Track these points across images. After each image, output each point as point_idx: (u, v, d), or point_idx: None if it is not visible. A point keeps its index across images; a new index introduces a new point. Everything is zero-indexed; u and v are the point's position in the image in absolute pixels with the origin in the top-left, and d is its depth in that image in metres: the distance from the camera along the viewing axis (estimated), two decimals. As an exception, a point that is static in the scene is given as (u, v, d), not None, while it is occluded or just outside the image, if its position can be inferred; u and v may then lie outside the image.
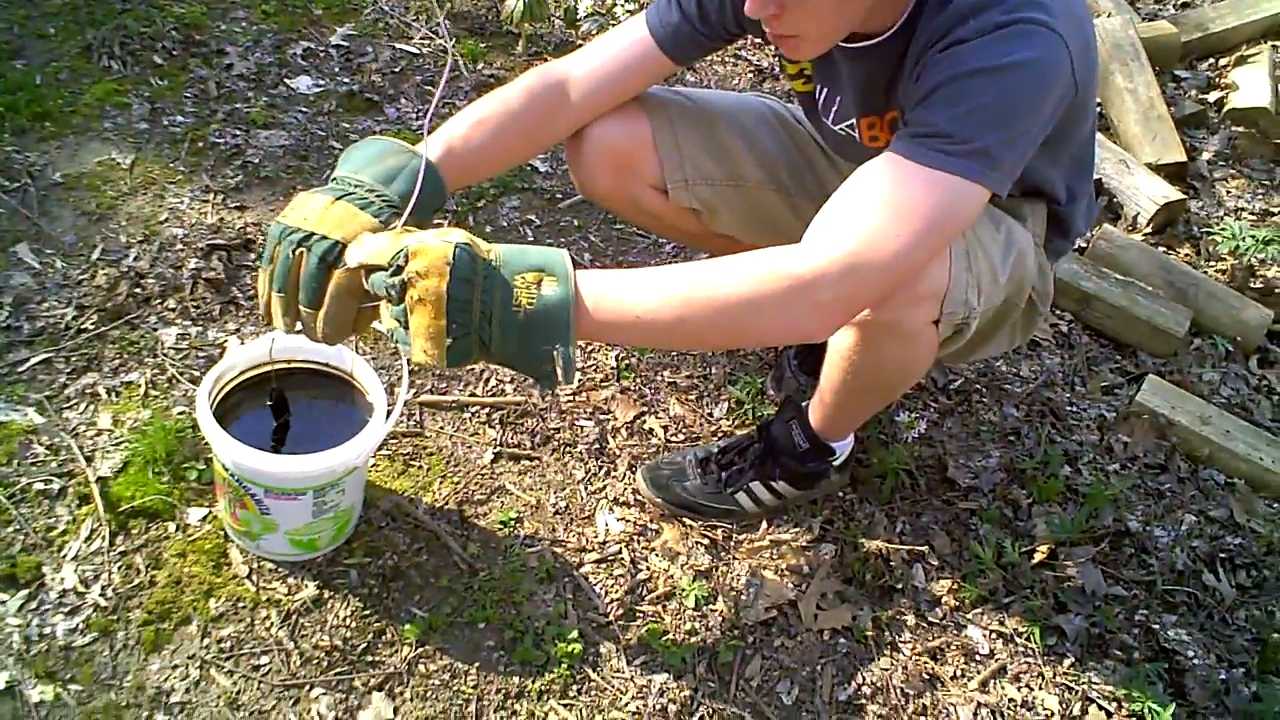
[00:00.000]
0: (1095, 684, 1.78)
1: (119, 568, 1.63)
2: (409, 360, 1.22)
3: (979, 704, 1.73)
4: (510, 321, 1.21)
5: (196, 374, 1.93)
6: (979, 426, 2.21)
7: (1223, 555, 2.03)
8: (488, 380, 2.08)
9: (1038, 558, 1.94)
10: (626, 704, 1.63)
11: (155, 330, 2.00)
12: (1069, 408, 2.31)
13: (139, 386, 1.89)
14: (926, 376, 2.25)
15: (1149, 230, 2.81)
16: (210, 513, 1.72)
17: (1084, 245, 2.68)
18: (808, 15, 1.36)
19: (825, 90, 1.64)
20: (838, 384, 1.70)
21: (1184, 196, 2.86)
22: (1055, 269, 1.83)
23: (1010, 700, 1.75)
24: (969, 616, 1.85)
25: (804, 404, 1.87)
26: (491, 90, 1.61)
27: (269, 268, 1.31)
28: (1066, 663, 1.81)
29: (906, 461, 2.04)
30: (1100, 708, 1.75)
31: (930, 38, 1.35)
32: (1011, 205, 1.67)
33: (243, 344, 1.65)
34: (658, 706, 1.63)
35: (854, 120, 1.61)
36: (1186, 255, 2.80)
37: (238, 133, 2.52)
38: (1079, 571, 1.93)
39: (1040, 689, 1.77)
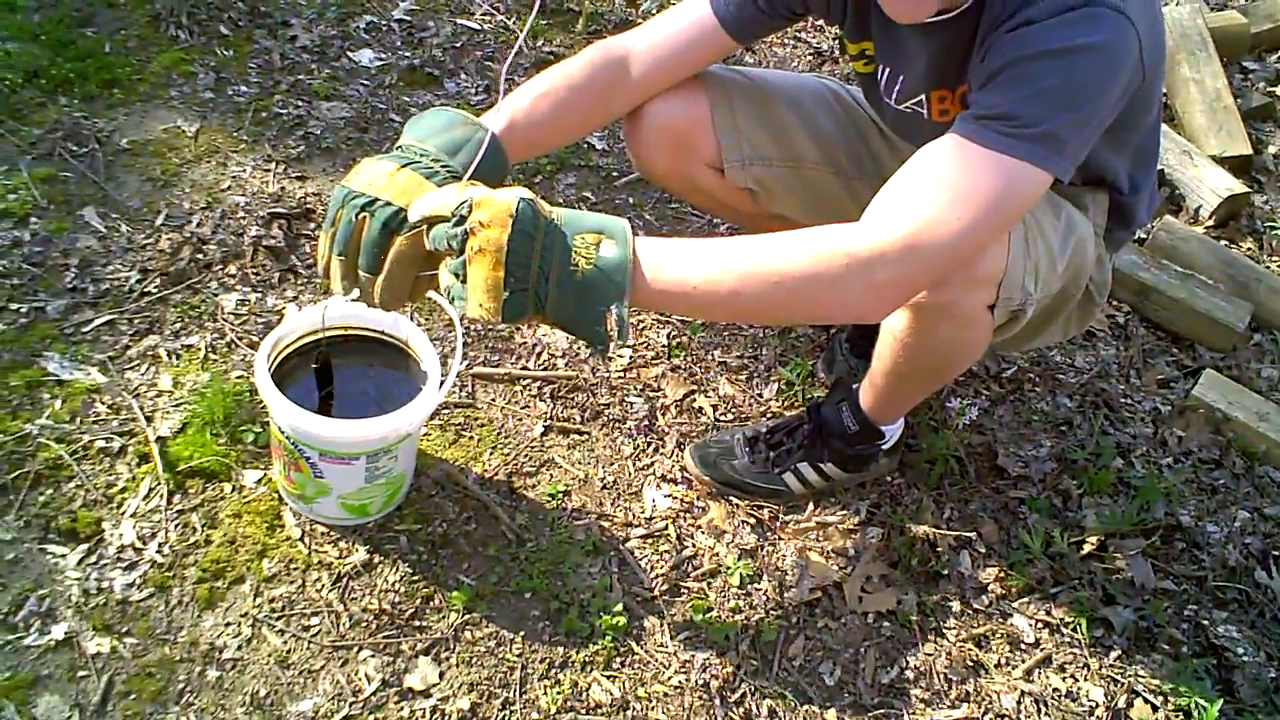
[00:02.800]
0: (1142, 677, 1.77)
1: (176, 526, 1.66)
2: (464, 317, 1.22)
3: (1023, 692, 1.72)
4: (567, 280, 1.21)
5: (255, 339, 1.96)
6: (1031, 415, 2.19)
7: (1276, 553, 2.01)
8: (539, 354, 2.09)
9: (1087, 549, 1.93)
10: (669, 678, 1.64)
11: (216, 295, 2.03)
12: (1123, 400, 2.28)
13: (199, 350, 1.93)
14: (979, 364, 2.23)
15: (1211, 223, 2.76)
16: (265, 475, 1.75)
17: (1144, 236, 2.64)
18: None
19: (888, 70, 1.63)
20: (889, 366, 1.69)
21: (1248, 190, 2.81)
22: (1114, 260, 1.81)
23: (1055, 690, 1.74)
24: (1015, 605, 1.85)
25: (855, 386, 1.87)
26: (550, 67, 1.62)
27: (331, 230, 1.32)
28: (1113, 655, 1.80)
29: (956, 448, 2.04)
30: (1146, 701, 1.74)
31: (998, 18, 1.34)
32: (1073, 193, 1.65)
33: (301, 310, 1.67)
34: (700, 682, 1.64)
35: (922, 96, 1.59)
36: (1249, 249, 2.76)
37: (300, 104, 2.55)
38: (1128, 564, 1.92)
39: (1085, 680, 1.76)
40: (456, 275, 1.22)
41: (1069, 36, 1.27)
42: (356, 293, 1.34)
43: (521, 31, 1.72)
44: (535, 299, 1.22)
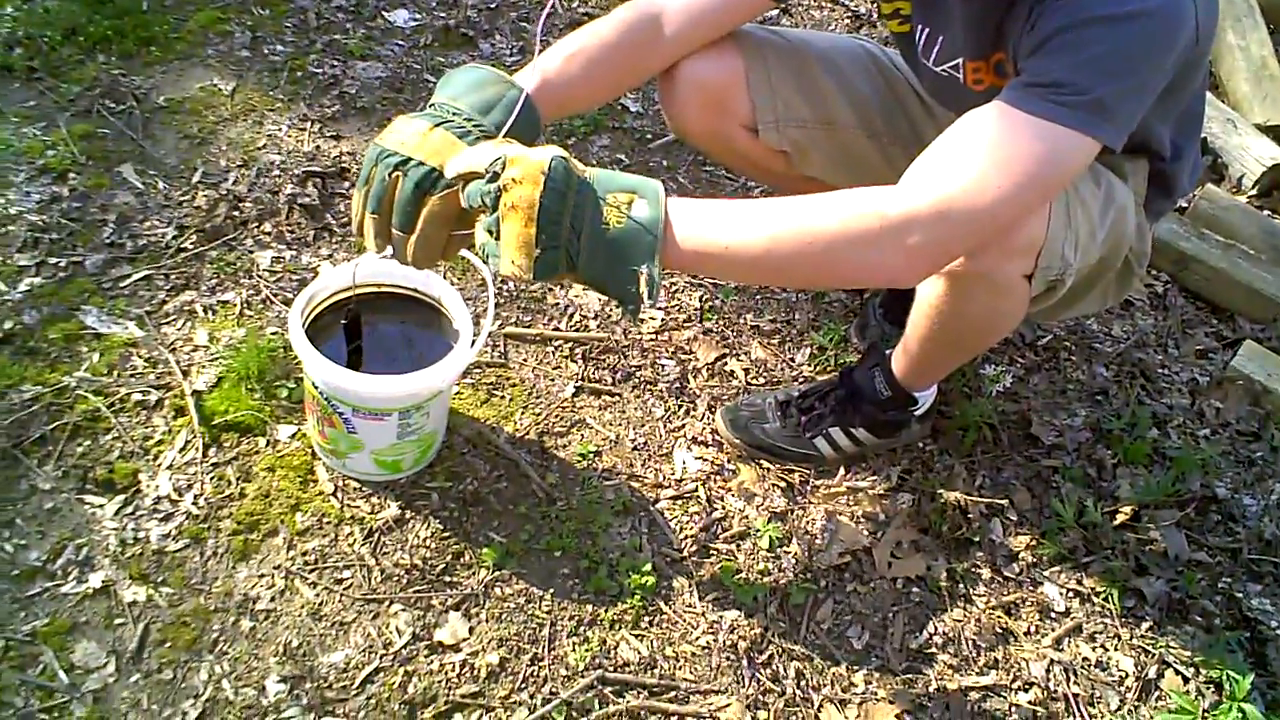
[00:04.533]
0: (1173, 649, 1.76)
1: (211, 479, 1.68)
2: (497, 274, 1.22)
3: (1052, 660, 1.72)
4: (599, 239, 1.21)
5: (289, 295, 1.97)
6: (1066, 384, 2.17)
7: (1313, 527, 1.99)
8: (572, 315, 2.09)
9: (1120, 519, 1.91)
10: (697, 638, 1.65)
11: (251, 252, 2.04)
12: (1160, 370, 2.26)
13: (234, 305, 1.94)
14: (1014, 331, 2.21)
15: (1254, 192, 2.72)
16: (299, 430, 1.76)
17: (1185, 205, 2.61)
18: None
19: (926, 30, 1.61)
20: (924, 333, 1.68)
21: (1294, 159, 2.76)
22: (1154, 229, 1.78)
23: (1084, 659, 1.73)
24: (1046, 574, 1.84)
25: (888, 352, 1.86)
26: (584, 25, 1.61)
27: (364, 189, 1.32)
28: (1144, 626, 1.79)
29: (990, 415, 2.02)
30: (1177, 672, 1.73)
31: None
32: (1113, 161, 1.62)
33: (335, 267, 1.68)
34: (728, 642, 1.65)
35: (959, 61, 1.57)
36: (1293, 220, 2.71)
37: (335, 63, 2.55)
38: (1162, 535, 1.90)
39: (1116, 650, 1.75)
40: (490, 232, 1.22)
41: (1121, 3, 1.24)
42: (390, 250, 1.34)
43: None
44: (567, 257, 1.22)
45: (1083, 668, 1.72)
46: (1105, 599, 1.81)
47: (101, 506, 1.62)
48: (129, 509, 1.62)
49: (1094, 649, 1.75)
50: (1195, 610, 1.82)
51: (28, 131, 2.16)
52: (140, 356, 1.82)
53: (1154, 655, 1.75)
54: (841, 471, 1.91)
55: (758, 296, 2.23)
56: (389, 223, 1.32)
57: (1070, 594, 1.82)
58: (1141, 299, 2.42)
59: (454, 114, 1.37)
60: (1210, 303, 2.45)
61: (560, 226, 1.20)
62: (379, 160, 1.31)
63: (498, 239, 1.21)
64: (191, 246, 2.02)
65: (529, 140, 1.43)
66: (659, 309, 2.15)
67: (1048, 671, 1.71)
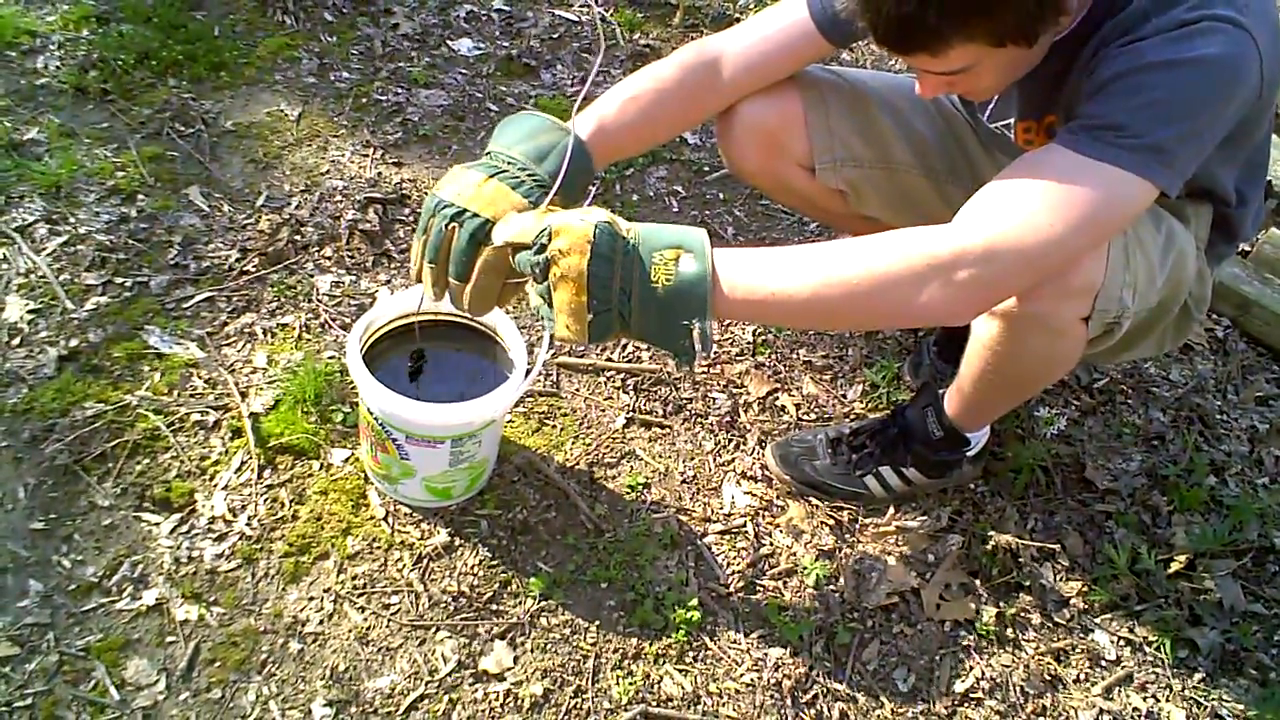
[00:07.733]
0: (1226, 702, 1.73)
1: (265, 500, 1.70)
2: (553, 336, 1.25)
3: (1101, 710, 1.69)
4: (649, 298, 1.23)
5: (348, 320, 2.00)
6: (1122, 428, 2.15)
7: (1375, 581, 1.94)
8: (624, 346, 2.10)
9: (1174, 567, 1.88)
10: (741, 675, 1.64)
11: (312, 276, 2.08)
12: (1219, 416, 2.22)
13: (294, 329, 1.97)
14: (1070, 373, 2.19)
15: (1321, 238, 2.67)
16: (353, 454, 1.79)
17: (1248, 249, 2.57)
18: (980, 78, 1.36)
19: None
20: (978, 374, 1.67)
21: (1362, 204, 2.71)
22: (1216, 273, 1.76)
23: (1134, 709, 1.70)
24: (1097, 621, 1.81)
25: (941, 392, 1.84)
26: (646, 60, 1.62)
27: (422, 238, 1.37)
28: (1197, 677, 1.76)
29: (1043, 458, 2.00)
30: (1229, 726, 1.70)
31: (1109, 35, 1.31)
32: (1175, 205, 1.61)
33: (393, 294, 1.70)
34: (772, 680, 1.64)
35: (1010, 121, 1.58)
36: (1360, 266, 2.66)
37: (399, 91, 2.59)
38: (1217, 585, 1.87)
39: (1167, 701, 1.72)
40: (543, 298, 1.25)
41: (1183, 49, 1.23)
42: (448, 298, 1.38)
43: (602, 30, 1.73)
44: (620, 318, 1.24)
45: (1133, 718, 1.69)
46: (1157, 648, 1.78)
47: (158, 525, 1.65)
48: (184, 528, 1.65)
49: (1144, 699, 1.72)
50: (1250, 663, 1.79)
51: (99, 153, 2.22)
52: (200, 377, 1.85)
53: (1206, 708, 1.72)
54: (891, 511, 1.90)
55: (810, 332, 2.22)
56: (446, 271, 1.36)
57: (1121, 642, 1.79)
58: (1201, 343, 2.39)
59: (509, 163, 1.41)
60: (1272, 348, 2.41)
61: (610, 291, 1.22)
62: (436, 211, 1.36)
63: (550, 305, 1.23)
64: (253, 269, 2.05)
65: (582, 184, 1.47)
66: (713, 341, 2.15)
67: (1097, 721, 1.69)
